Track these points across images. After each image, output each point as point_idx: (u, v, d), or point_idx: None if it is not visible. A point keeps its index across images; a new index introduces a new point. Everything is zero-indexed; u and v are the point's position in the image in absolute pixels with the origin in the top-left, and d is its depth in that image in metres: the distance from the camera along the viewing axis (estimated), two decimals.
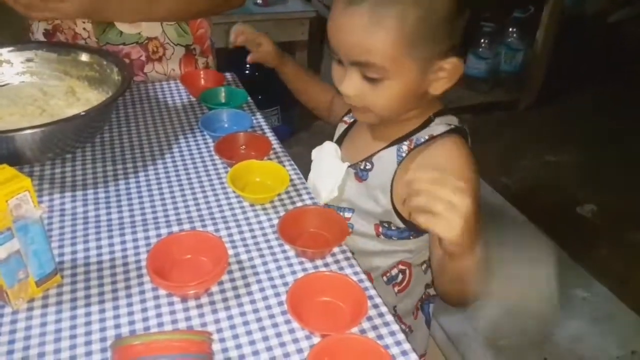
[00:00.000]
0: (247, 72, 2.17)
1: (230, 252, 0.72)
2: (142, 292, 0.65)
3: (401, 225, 0.83)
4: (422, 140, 0.80)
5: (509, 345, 1.32)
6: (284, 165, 0.88)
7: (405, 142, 0.81)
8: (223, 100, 1.06)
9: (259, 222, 0.77)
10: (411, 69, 0.72)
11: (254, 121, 1.01)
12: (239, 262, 0.71)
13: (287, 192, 0.83)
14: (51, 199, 0.80)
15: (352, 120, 0.94)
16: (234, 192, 0.81)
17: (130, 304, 0.64)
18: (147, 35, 1.12)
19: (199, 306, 0.64)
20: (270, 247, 0.73)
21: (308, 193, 0.84)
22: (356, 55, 0.72)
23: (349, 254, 0.73)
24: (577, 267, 1.45)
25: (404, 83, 0.73)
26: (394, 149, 0.82)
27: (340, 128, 0.96)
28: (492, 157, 2.48)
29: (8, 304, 0.62)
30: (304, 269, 0.70)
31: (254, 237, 0.75)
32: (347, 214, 0.88)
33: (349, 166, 0.87)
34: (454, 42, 0.73)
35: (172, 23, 1.14)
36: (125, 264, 0.69)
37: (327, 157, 0.90)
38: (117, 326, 0.61)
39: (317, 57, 2.59)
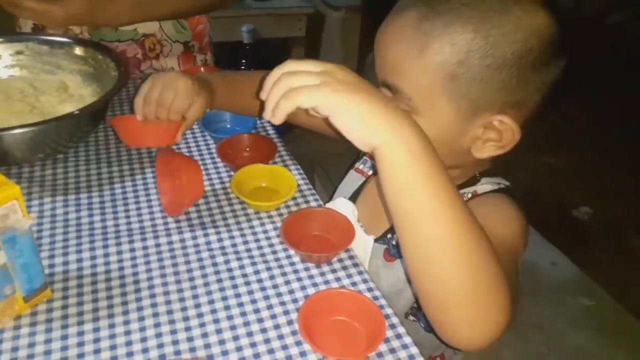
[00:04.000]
0: (242, 68, 2.11)
1: (235, 264, 0.67)
2: (140, 309, 0.60)
3: None
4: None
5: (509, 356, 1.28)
6: (289, 169, 0.83)
7: None
8: None
9: (265, 232, 0.73)
10: (444, 113, 0.57)
11: (258, 121, 0.96)
12: (244, 275, 0.66)
13: (294, 198, 0.79)
14: (41, 203, 0.75)
15: (371, 172, 0.78)
16: (237, 198, 0.76)
17: (127, 322, 0.59)
18: (143, 32, 1.07)
19: (202, 325, 0.59)
20: (277, 260, 0.68)
21: (316, 200, 0.79)
22: (387, 74, 0.59)
23: (357, 260, 0.69)
24: (580, 272, 1.41)
25: (437, 128, 0.57)
26: None
27: (354, 179, 0.79)
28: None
29: None
30: (314, 284, 0.65)
31: (259, 247, 0.70)
32: None
33: (375, 240, 0.71)
34: (524, 98, 0.55)
35: None
36: (121, 277, 0.64)
37: None
38: (113, 347, 0.56)
39: (315, 55, 2.54)
